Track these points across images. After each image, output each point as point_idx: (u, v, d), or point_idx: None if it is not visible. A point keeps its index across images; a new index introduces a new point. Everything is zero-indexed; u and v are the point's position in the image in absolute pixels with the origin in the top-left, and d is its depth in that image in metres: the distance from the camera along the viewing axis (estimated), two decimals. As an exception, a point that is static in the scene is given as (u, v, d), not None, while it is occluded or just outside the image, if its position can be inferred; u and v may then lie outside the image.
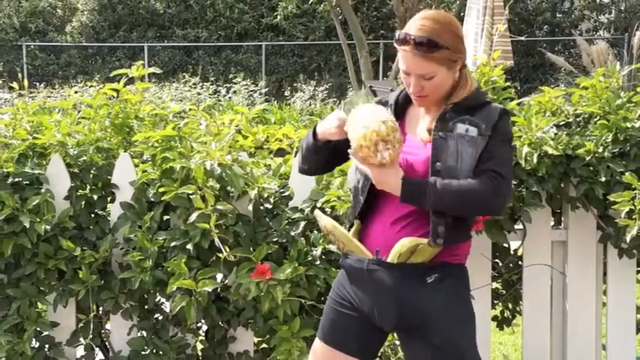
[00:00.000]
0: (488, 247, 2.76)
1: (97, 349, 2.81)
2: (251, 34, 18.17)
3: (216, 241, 2.51)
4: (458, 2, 14.29)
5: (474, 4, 6.43)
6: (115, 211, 2.73)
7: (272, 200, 2.74)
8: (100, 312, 2.79)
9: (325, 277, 2.54)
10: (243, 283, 2.51)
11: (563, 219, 2.87)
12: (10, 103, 11.84)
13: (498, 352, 3.84)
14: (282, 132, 3.00)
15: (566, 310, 2.83)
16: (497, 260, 2.87)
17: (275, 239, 2.62)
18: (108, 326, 2.84)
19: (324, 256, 2.58)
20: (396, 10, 11.77)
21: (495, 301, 2.95)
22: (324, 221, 2.21)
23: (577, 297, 2.81)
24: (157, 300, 2.71)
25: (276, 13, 16.16)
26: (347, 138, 2.04)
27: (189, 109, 2.89)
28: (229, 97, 14.45)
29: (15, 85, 3.97)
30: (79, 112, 2.93)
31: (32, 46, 18.08)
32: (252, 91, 14.90)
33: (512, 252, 2.87)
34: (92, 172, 2.76)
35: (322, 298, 2.62)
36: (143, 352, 2.69)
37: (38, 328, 2.67)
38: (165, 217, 2.71)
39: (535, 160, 2.55)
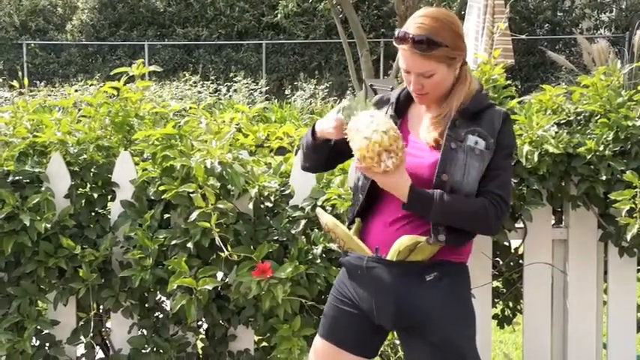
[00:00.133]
0: (488, 245, 2.75)
1: (97, 348, 2.81)
2: (251, 32, 18.17)
3: (217, 240, 2.51)
4: (459, 0, 14.28)
5: (475, 3, 6.42)
6: (115, 209, 2.73)
7: (272, 199, 2.74)
8: (101, 310, 2.79)
9: (326, 276, 2.54)
10: (243, 281, 2.51)
11: (563, 217, 2.87)
12: (10, 102, 11.84)
13: (499, 350, 3.84)
14: (283, 130, 3.00)
15: (566, 308, 2.83)
16: (497, 259, 2.87)
17: (275, 238, 2.61)
18: (108, 324, 2.84)
19: (324, 255, 2.58)
20: (396, 9, 11.76)
21: (496, 300, 2.95)
22: (325, 219, 2.21)
23: (578, 295, 2.81)
24: (157, 298, 2.71)
25: (276, 12, 16.17)
26: (345, 137, 2.04)
27: (190, 108, 2.88)
28: (230, 96, 14.45)
29: (15, 83, 3.97)
30: (79, 110, 2.93)
31: (32, 45, 18.10)
32: (252, 89, 14.90)
33: (512, 250, 2.87)
34: (92, 170, 2.75)
35: (323, 297, 2.62)
36: (143, 351, 2.69)
37: (38, 327, 2.67)
38: (166, 216, 2.71)
39: (536, 159, 2.55)
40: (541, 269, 2.80)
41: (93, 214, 2.75)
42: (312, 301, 2.60)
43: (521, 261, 2.84)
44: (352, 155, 2.05)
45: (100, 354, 2.85)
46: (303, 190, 2.68)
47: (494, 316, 3.00)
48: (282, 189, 2.74)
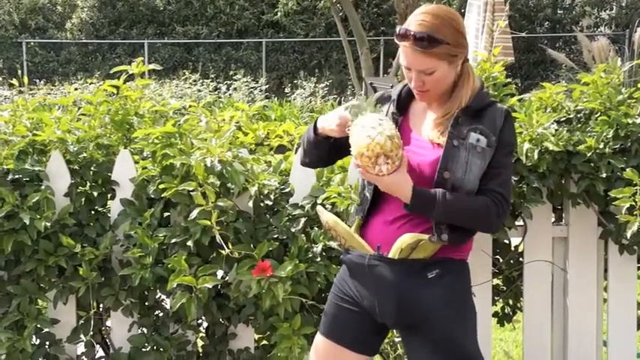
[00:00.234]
0: (488, 243, 2.75)
1: (97, 346, 2.81)
2: (251, 30, 18.17)
3: (218, 238, 2.50)
4: (458, -2, 14.27)
5: (475, 0, 6.41)
6: (115, 207, 2.73)
7: (272, 197, 2.74)
8: (101, 309, 2.79)
9: (326, 274, 2.54)
10: (243, 280, 2.51)
11: (564, 215, 2.87)
12: (10, 100, 11.83)
13: (499, 348, 3.84)
14: (283, 128, 3.00)
15: (566, 306, 2.83)
16: (497, 256, 2.87)
17: (275, 236, 2.61)
18: (108, 323, 2.83)
19: (324, 253, 2.58)
20: (396, 7, 11.75)
21: (496, 298, 2.95)
22: (326, 217, 2.21)
23: (578, 293, 2.81)
24: (157, 297, 2.71)
25: (276, 10, 16.18)
26: (347, 136, 2.04)
27: (190, 106, 2.88)
28: (230, 94, 14.45)
29: (15, 82, 3.96)
30: (79, 108, 2.92)
31: (32, 43, 18.09)
32: (252, 87, 14.90)
33: (512, 248, 2.87)
34: (92, 168, 2.75)
35: (323, 295, 2.61)
36: (143, 349, 2.69)
37: (38, 325, 2.67)
38: (166, 214, 2.70)
39: (536, 157, 2.55)
40: (541, 267, 2.80)
41: (93, 212, 2.75)
42: (313, 300, 2.60)
43: (521, 259, 2.84)
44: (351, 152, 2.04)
45: (100, 352, 2.85)
46: (303, 188, 2.68)
47: (495, 314, 3.00)
48: (282, 187, 2.74)
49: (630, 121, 2.63)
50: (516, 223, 2.74)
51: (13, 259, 2.65)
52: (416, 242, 2.02)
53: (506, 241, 2.81)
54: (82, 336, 2.72)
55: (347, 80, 15.36)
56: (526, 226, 2.78)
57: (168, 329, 2.71)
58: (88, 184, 2.74)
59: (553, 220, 2.87)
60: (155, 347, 2.67)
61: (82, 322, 2.74)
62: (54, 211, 2.63)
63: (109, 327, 2.82)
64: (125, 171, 2.71)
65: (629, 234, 2.53)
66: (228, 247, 2.51)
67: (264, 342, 2.78)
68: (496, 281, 2.93)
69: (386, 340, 2.73)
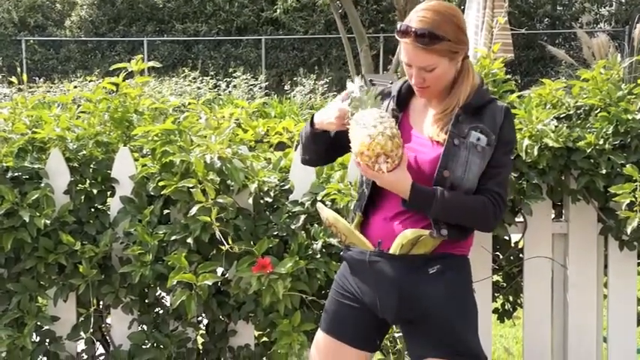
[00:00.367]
0: (488, 239, 2.75)
1: (97, 344, 2.81)
2: (251, 28, 18.15)
3: (218, 234, 2.50)
4: (458, -5, 14.26)
5: (474, -3, 6.40)
6: (114, 205, 2.73)
7: (272, 194, 2.74)
8: (101, 306, 2.79)
9: (326, 271, 2.54)
10: (243, 276, 2.51)
11: (563, 211, 2.87)
12: (9, 98, 11.83)
13: (499, 344, 3.84)
14: (282, 125, 3.00)
15: (566, 302, 2.83)
16: (497, 253, 2.87)
17: (275, 233, 2.61)
18: (108, 320, 2.84)
19: (324, 250, 2.58)
20: (396, 4, 11.74)
21: (496, 294, 2.95)
22: (326, 214, 2.21)
23: (578, 289, 2.81)
24: (157, 294, 2.71)
25: (275, 7, 16.15)
26: (346, 130, 2.04)
27: (189, 103, 2.88)
28: (229, 91, 14.45)
29: (14, 79, 3.96)
30: (78, 106, 2.92)
31: (31, 41, 18.08)
32: (252, 85, 14.90)
33: (512, 244, 2.87)
34: (92, 166, 2.75)
35: (323, 292, 2.62)
36: (144, 346, 2.69)
37: (39, 323, 2.67)
38: (166, 211, 2.70)
39: (536, 153, 2.55)
40: (541, 263, 2.80)
41: (92, 210, 2.75)
42: (313, 296, 2.60)
43: (521, 255, 2.84)
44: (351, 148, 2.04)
45: (101, 350, 2.85)
46: (302, 185, 2.68)
47: (495, 310, 3.00)
48: (282, 184, 2.74)
49: (630, 117, 2.63)
50: (516, 219, 2.74)
51: (12, 257, 2.65)
52: (416, 238, 2.02)
53: (506, 238, 2.81)
54: (82, 333, 2.72)
55: (346, 77, 15.34)
56: (526, 223, 2.78)
57: (169, 326, 2.71)
58: (88, 181, 2.74)
59: (553, 216, 2.87)
60: (155, 344, 2.67)
61: (82, 319, 2.74)
62: (54, 208, 2.63)
63: (109, 324, 2.82)
64: (125, 168, 2.71)
65: (629, 230, 2.52)
66: (228, 243, 2.51)
67: (265, 339, 2.78)
68: (496, 277, 2.93)
69: (386, 336, 2.73)
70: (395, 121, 2.04)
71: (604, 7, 17.72)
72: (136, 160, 2.73)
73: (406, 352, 2.48)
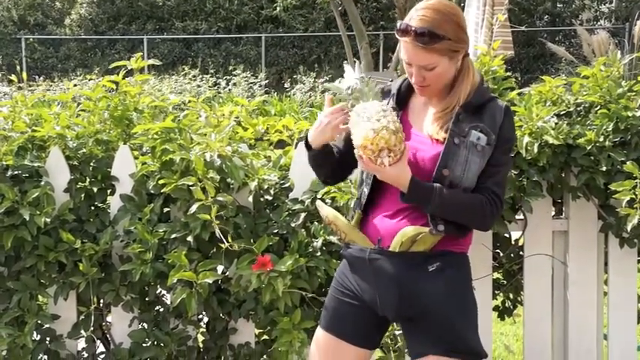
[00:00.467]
0: (489, 237, 2.75)
1: (98, 342, 2.81)
2: (250, 25, 18.14)
3: (217, 232, 2.50)
4: (458, -8, 14.24)
5: (474, -6, 6.39)
6: (114, 203, 2.73)
7: (272, 192, 2.74)
8: (101, 304, 2.79)
9: (326, 269, 2.54)
10: (244, 274, 2.51)
11: (564, 209, 2.87)
12: (9, 97, 11.82)
13: (500, 342, 3.84)
14: (282, 123, 3.00)
15: (567, 299, 2.83)
16: (498, 250, 2.87)
17: (275, 231, 2.61)
18: (109, 318, 2.84)
19: (324, 248, 2.58)
20: (395, 1, 11.74)
21: (496, 292, 2.95)
22: (326, 211, 2.21)
23: (578, 287, 2.81)
24: (157, 292, 2.71)
25: (275, 5, 16.13)
26: (351, 147, 2.03)
27: (189, 101, 2.88)
28: (229, 89, 14.44)
29: (14, 78, 3.96)
30: (78, 104, 2.92)
31: (31, 39, 18.06)
32: (251, 83, 14.89)
33: (513, 242, 2.87)
34: (92, 164, 2.75)
35: (323, 290, 2.62)
36: (144, 344, 2.69)
37: (39, 321, 2.67)
38: (166, 210, 2.70)
39: (536, 150, 2.55)
40: (541, 261, 2.80)
41: (92, 208, 2.75)
42: (313, 294, 2.60)
43: (521, 252, 2.84)
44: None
45: (101, 348, 2.85)
46: (302, 183, 2.68)
47: (495, 308, 3.00)
48: (282, 182, 2.74)
49: (630, 114, 2.63)
50: (516, 216, 2.74)
51: (13, 255, 2.65)
52: (416, 235, 2.02)
53: (507, 235, 2.81)
54: (82, 331, 2.73)
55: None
56: (526, 220, 2.78)
57: (169, 324, 2.71)
58: (88, 179, 2.74)
59: (553, 213, 2.87)
60: (156, 342, 2.67)
61: (82, 317, 2.74)
62: (54, 206, 2.63)
63: (110, 322, 2.82)
64: (125, 166, 2.71)
65: (629, 227, 2.53)
66: (228, 241, 2.51)
67: (265, 336, 2.78)
68: (496, 275, 2.93)
69: (386, 333, 2.73)
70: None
71: (604, 4, 17.71)
72: (135, 158, 2.73)
73: (406, 350, 2.48)
